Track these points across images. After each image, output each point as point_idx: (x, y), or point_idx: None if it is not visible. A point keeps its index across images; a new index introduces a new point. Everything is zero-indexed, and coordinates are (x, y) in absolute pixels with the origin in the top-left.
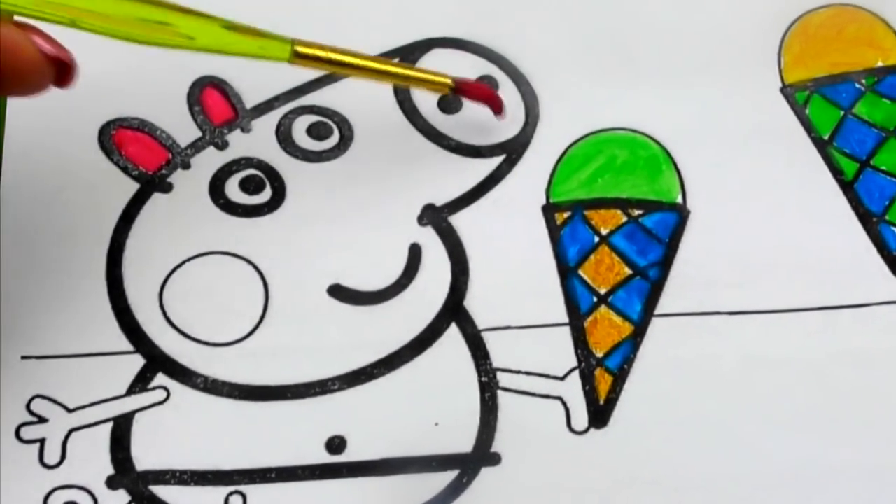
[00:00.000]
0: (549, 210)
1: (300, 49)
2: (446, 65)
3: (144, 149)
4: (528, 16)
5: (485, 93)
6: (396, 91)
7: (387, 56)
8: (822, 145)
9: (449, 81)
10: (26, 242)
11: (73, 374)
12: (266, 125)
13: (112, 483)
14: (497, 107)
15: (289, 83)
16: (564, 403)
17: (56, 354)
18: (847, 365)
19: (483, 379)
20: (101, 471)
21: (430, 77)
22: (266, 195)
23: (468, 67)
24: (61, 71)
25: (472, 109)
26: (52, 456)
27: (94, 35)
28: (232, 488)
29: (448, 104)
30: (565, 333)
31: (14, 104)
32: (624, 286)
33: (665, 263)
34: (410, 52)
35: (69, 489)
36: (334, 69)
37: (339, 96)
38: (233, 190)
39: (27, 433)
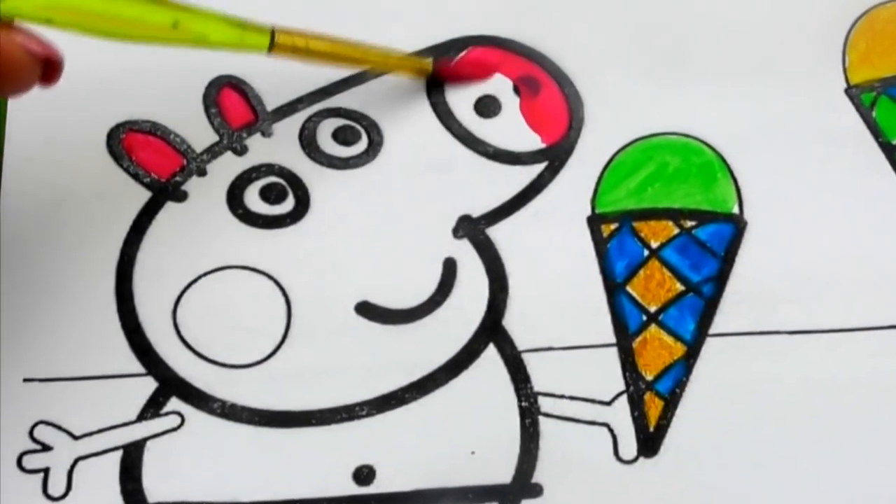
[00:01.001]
0: (594, 221)
1: (281, 39)
2: (484, 63)
3: (157, 154)
4: (571, 12)
5: (469, 68)
6: (430, 93)
7: (421, 54)
8: (890, 150)
9: (427, 65)
10: (28, 255)
11: (80, 398)
12: (288, 129)
13: None
14: (486, 72)
15: (313, 83)
16: (611, 430)
17: (61, 377)
18: None
19: (523, 404)
20: (110, 503)
21: (409, 62)
22: (288, 205)
23: (507, 67)
24: (47, 69)
25: (513, 113)
26: (56, 486)
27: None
28: None
29: (485, 107)
30: (612, 355)
31: (16, 105)
32: (676, 303)
33: (720, 279)
34: (446, 51)
35: None
36: (312, 59)
37: (368, 98)
38: (252, 199)
39: (30, 462)
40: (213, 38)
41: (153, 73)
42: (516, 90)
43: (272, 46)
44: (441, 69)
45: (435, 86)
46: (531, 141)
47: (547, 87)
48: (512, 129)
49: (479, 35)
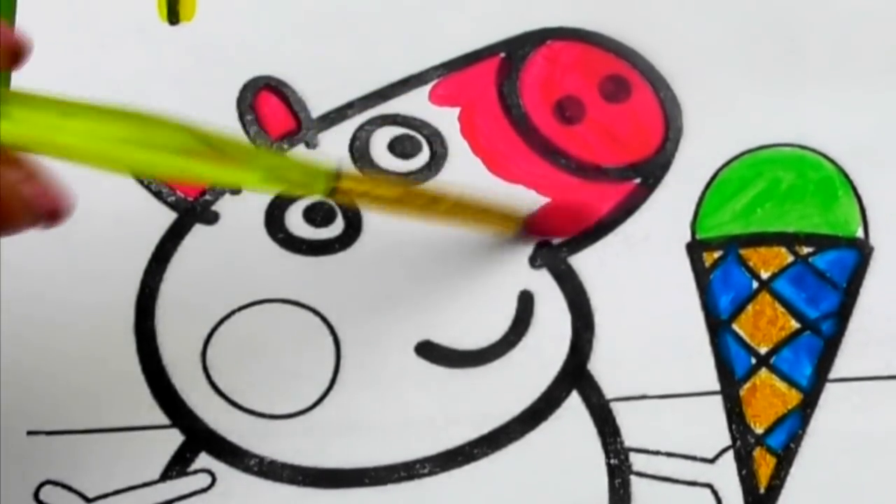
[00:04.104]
0: (695, 249)
1: (343, 184)
2: (564, 61)
3: None
4: (668, 1)
5: (571, 219)
6: (502, 94)
7: (491, 49)
8: None
9: (520, 217)
10: (32, 287)
11: (93, 454)
12: (337, 139)
13: None
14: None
15: (366, 85)
16: (715, 492)
17: (71, 430)
18: None
19: (612, 461)
20: None
21: (498, 213)
22: (337, 228)
23: (591, 65)
24: (52, 214)
25: (598, 119)
26: None
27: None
28: None
29: (566, 112)
30: (716, 404)
31: None
32: (790, 344)
33: (842, 315)
34: (520, 45)
35: None
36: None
37: (430, 102)
38: (295, 221)
39: None
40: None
41: (179, 75)
42: (603, 93)
43: (334, 192)
44: (532, 226)
45: (507, 85)
46: (620, 153)
47: (639, 89)
48: (597, 138)
49: (557, 27)
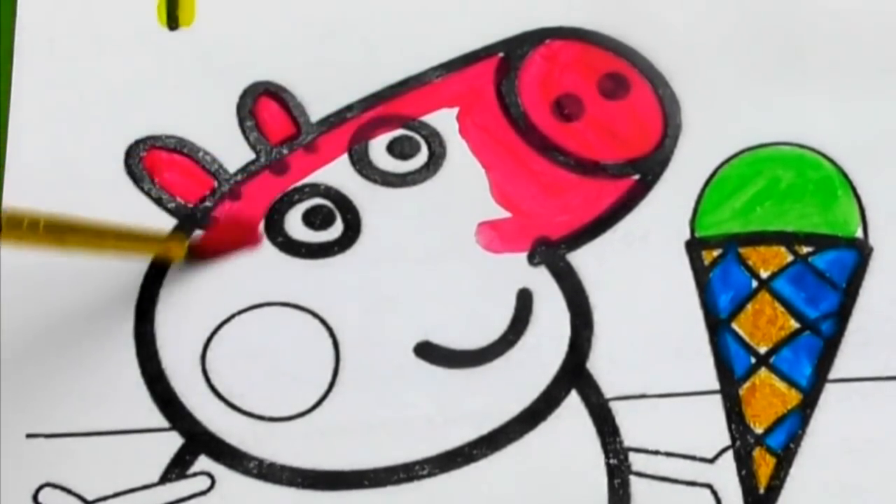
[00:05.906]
0: (694, 247)
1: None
2: (563, 60)
3: (183, 175)
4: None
5: (230, 232)
6: (500, 93)
7: (490, 49)
8: None
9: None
10: (32, 291)
11: (93, 456)
12: (336, 142)
13: None
14: (252, 236)
15: (364, 88)
16: (715, 492)
17: (70, 432)
18: None
19: (611, 461)
20: None
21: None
22: (336, 230)
23: (590, 64)
24: None
25: (598, 116)
26: None
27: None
28: None
29: (566, 108)
30: (716, 403)
31: (19, 116)
32: (790, 344)
33: (841, 315)
34: (519, 45)
35: None
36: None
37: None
38: (294, 225)
39: None
40: None
41: (179, 80)
42: (601, 90)
43: None
44: (200, 243)
45: (505, 84)
46: (619, 150)
47: (638, 87)
48: (596, 135)
49: (556, 27)
